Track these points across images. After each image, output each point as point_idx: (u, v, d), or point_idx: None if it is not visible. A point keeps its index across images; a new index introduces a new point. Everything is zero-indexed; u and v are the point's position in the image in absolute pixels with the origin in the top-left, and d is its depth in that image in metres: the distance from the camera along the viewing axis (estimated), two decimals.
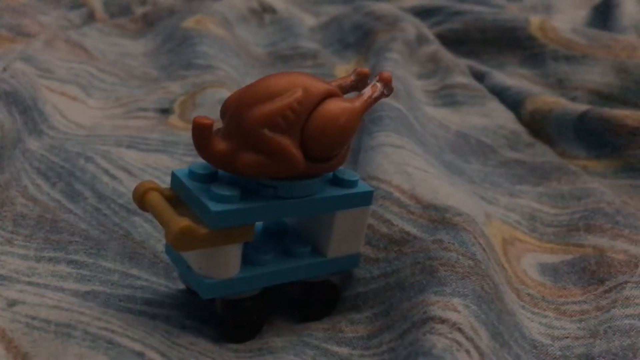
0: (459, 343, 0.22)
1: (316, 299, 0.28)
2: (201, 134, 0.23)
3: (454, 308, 0.24)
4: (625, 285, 0.29)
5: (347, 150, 0.27)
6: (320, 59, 0.57)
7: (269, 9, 0.72)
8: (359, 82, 0.28)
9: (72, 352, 0.21)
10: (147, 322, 0.25)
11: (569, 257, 0.32)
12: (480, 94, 0.48)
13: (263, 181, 0.25)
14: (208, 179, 0.25)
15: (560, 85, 0.52)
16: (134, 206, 0.33)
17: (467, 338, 0.22)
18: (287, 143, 0.24)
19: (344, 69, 0.57)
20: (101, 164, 0.36)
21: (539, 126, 0.44)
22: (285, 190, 0.25)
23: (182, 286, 0.29)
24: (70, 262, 0.28)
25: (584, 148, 0.42)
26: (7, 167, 0.33)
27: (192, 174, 0.25)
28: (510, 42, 0.56)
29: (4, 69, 0.41)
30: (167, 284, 0.29)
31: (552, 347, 0.26)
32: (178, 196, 0.26)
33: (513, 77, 0.54)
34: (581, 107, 0.43)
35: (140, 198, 0.25)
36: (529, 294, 0.30)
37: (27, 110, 0.39)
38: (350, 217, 0.27)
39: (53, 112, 0.42)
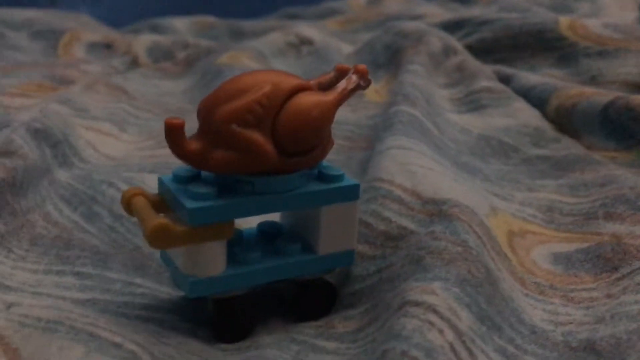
0: (431, 323, 0.21)
1: (311, 299, 0.28)
2: (173, 134, 0.24)
3: (432, 291, 0.23)
4: (638, 272, 0.27)
5: (327, 144, 0.27)
6: None
7: (307, 41, 0.74)
8: (340, 78, 0.28)
9: (55, 344, 0.22)
10: (138, 324, 0.26)
11: (585, 245, 0.30)
12: (505, 95, 0.47)
13: (241, 177, 0.25)
14: (189, 180, 0.26)
15: (594, 81, 0.49)
16: None
17: (442, 318, 0.22)
18: (257, 137, 0.24)
19: (374, 89, 0.57)
20: (122, 187, 0.38)
21: (565, 121, 0.43)
22: (263, 185, 0.25)
23: (183, 292, 0.29)
24: (76, 274, 0.29)
25: (612, 139, 0.40)
26: (30, 195, 0.35)
27: (175, 177, 0.26)
28: (541, 44, 0.55)
29: (40, 111, 0.44)
30: (169, 291, 0.29)
31: (554, 333, 0.25)
32: (165, 200, 0.26)
33: (545, 78, 0.52)
34: (606, 97, 0.41)
35: (127, 202, 0.26)
36: (535, 282, 0.28)
37: (58, 144, 0.41)
38: (338, 212, 0.27)
39: (86, 146, 0.44)
